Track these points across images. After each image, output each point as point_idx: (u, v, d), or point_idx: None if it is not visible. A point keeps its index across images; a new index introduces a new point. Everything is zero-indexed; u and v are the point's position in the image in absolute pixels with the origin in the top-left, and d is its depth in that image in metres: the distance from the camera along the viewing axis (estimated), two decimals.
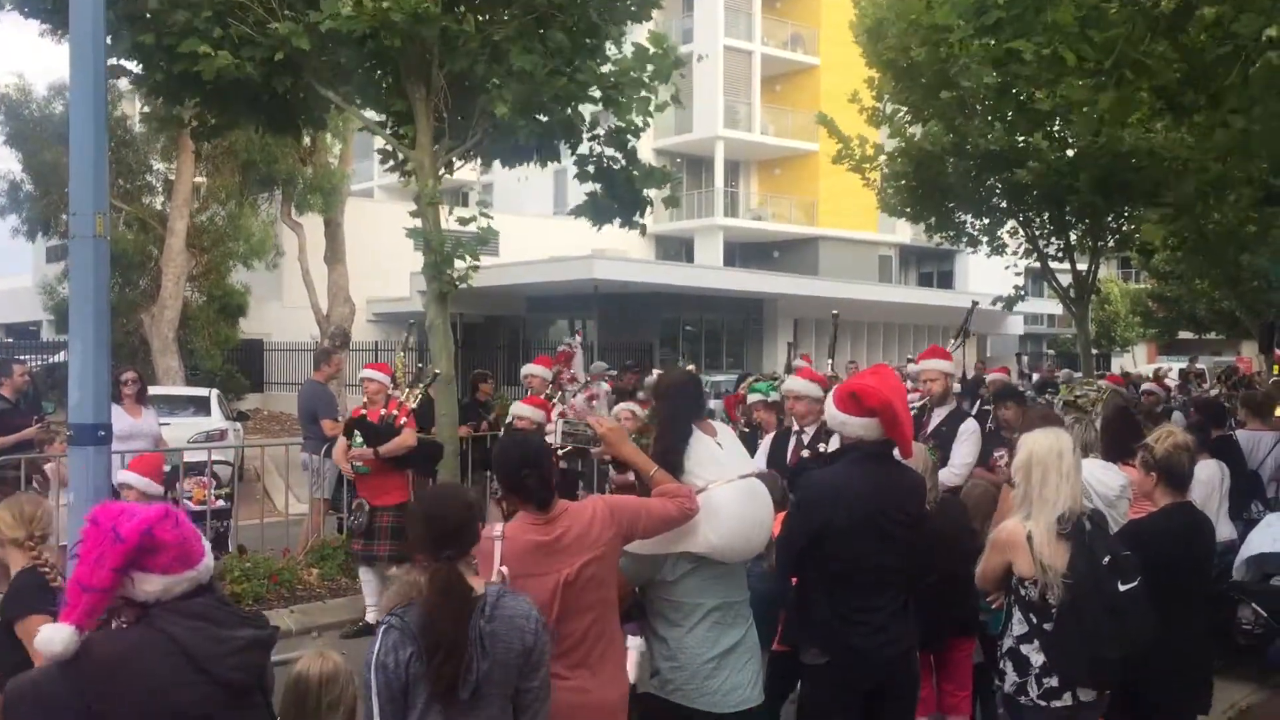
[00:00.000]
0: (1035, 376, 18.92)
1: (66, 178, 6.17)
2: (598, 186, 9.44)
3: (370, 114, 9.50)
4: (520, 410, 7.23)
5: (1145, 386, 12.18)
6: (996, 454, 6.32)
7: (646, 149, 28.91)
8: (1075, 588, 3.50)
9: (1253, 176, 11.18)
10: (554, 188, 34.14)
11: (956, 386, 9.13)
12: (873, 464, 3.91)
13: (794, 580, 4.10)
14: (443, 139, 8.61)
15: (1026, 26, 6.84)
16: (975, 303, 9.20)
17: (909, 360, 7.58)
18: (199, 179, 21.89)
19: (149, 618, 2.57)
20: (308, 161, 22.06)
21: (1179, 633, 3.97)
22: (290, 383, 24.33)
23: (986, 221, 16.37)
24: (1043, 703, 3.58)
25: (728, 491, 3.64)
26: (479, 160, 9.87)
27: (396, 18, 7.28)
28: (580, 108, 8.81)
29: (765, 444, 6.51)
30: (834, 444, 5.82)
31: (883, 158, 15.96)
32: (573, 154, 9.43)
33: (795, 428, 6.32)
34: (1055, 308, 34.51)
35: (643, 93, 8.57)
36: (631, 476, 7.21)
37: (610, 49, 8.80)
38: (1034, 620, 3.61)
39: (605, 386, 9.06)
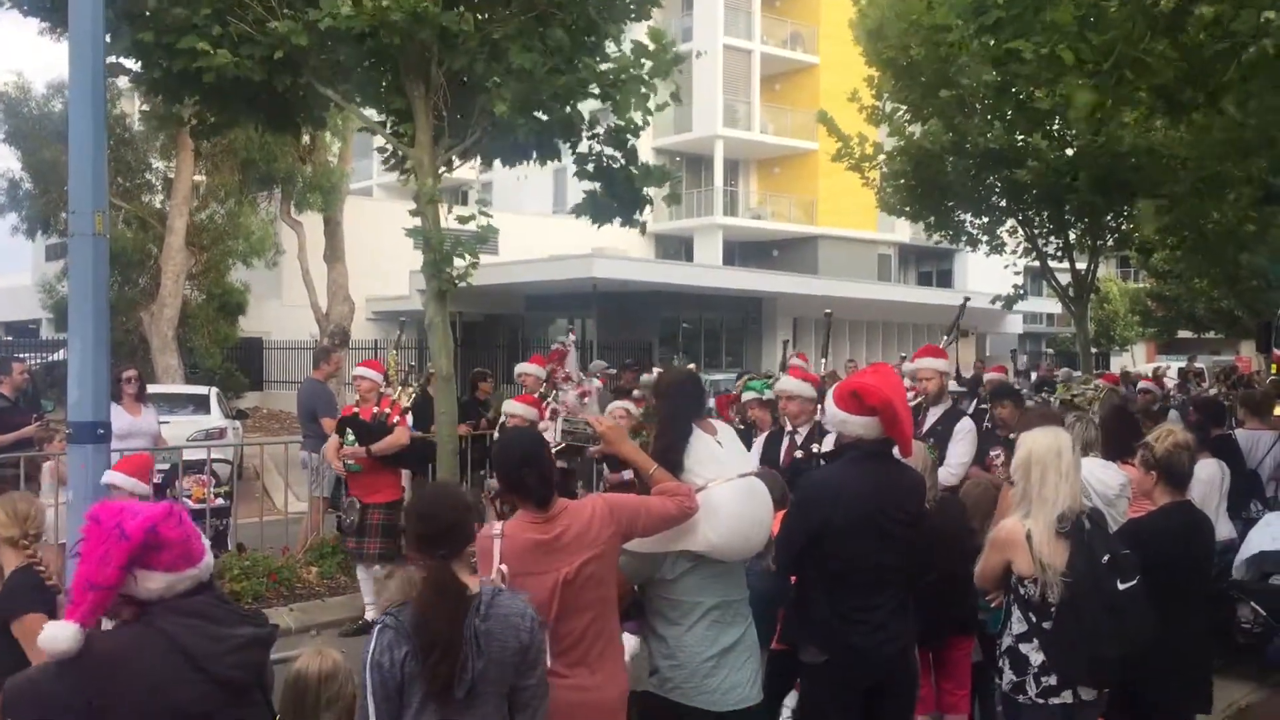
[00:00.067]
0: (1033, 375, 18.95)
1: (66, 176, 6.18)
2: (597, 185, 9.44)
3: (369, 112, 9.50)
4: (512, 408, 7.18)
5: (1141, 385, 12.17)
6: (992, 453, 6.32)
7: (646, 148, 28.90)
8: (1074, 586, 3.50)
9: (1252, 175, 11.18)
10: (553, 186, 34.15)
11: (955, 385, 9.12)
12: (872, 463, 3.91)
13: (793, 579, 4.11)
14: (442, 137, 8.60)
15: (1026, 26, 6.84)
16: (967, 299, 9.18)
17: (902, 358, 7.56)
18: (198, 177, 21.87)
19: (148, 616, 2.57)
20: (307, 160, 22.05)
21: (1178, 632, 3.98)
22: (290, 381, 24.34)
23: (986, 220, 16.36)
24: (1041, 701, 3.58)
25: (727, 490, 3.64)
26: (478, 159, 9.87)
27: (396, 16, 7.28)
28: (579, 106, 8.80)
29: (758, 444, 6.50)
30: (827, 445, 5.82)
31: (882, 157, 15.96)
32: (572, 152, 9.43)
33: (788, 428, 6.29)
34: (1054, 307, 34.55)
35: (642, 89, 8.55)
36: (625, 475, 7.23)
37: (610, 47, 8.79)
38: (1033, 619, 3.61)
39: (597, 383, 9.05)
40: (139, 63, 8.36)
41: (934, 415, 6.16)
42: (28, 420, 8.07)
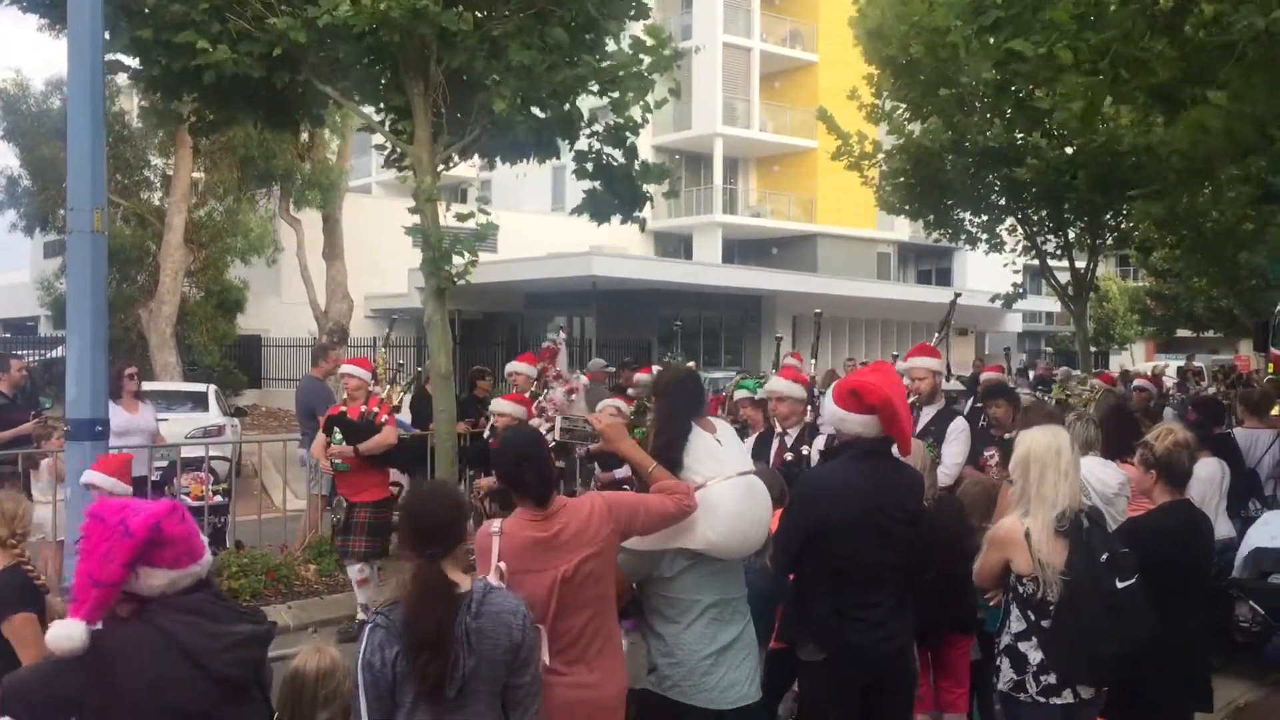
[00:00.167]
0: (1031, 374, 18.94)
1: (64, 173, 6.18)
2: (596, 183, 9.44)
3: (368, 109, 9.49)
4: (500, 407, 7.10)
5: (1136, 383, 12.15)
6: (987, 453, 6.30)
7: (645, 146, 28.85)
8: (1073, 585, 3.50)
9: (1250, 174, 11.18)
10: (552, 184, 34.12)
11: (957, 384, 9.08)
12: (871, 461, 3.91)
13: (791, 577, 4.10)
14: (441, 134, 8.60)
15: (1025, 26, 6.84)
16: (957, 295, 9.13)
17: (894, 357, 7.50)
18: (197, 174, 21.84)
19: (147, 613, 2.57)
20: (306, 157, 22.04)
21: (1177, 630, 3.98)
22: (288, 379, 24.32)
23: (985, 219, 16.38)
24: (1041, 700, 3.58)
25: (726, 488, 3.64)
26: (477, 156, 9.87)
27: (395, 14, 7.27)
28: (579, 103, 8.80)
29: (748, 445, 6.43)
30: (817, 446, 5.79)
31: (881, 155, 15.96)
32: (571, 150, 9.43)
33: (778, 429, 6.20)
34: (1054, 305, 34.57)
35: (641, 85, 8.54)
36: (617, 474, 7.22)
37: (609, 44, 8.78)
38: (1032, 617, 3.61)
39: (584, 380, 9.01)
40: (138, 59, 8.37)
41: (927, 415, 6.09)
42: (26, 417, 8.06)
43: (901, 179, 15.75)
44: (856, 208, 30.80)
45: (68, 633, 2.45)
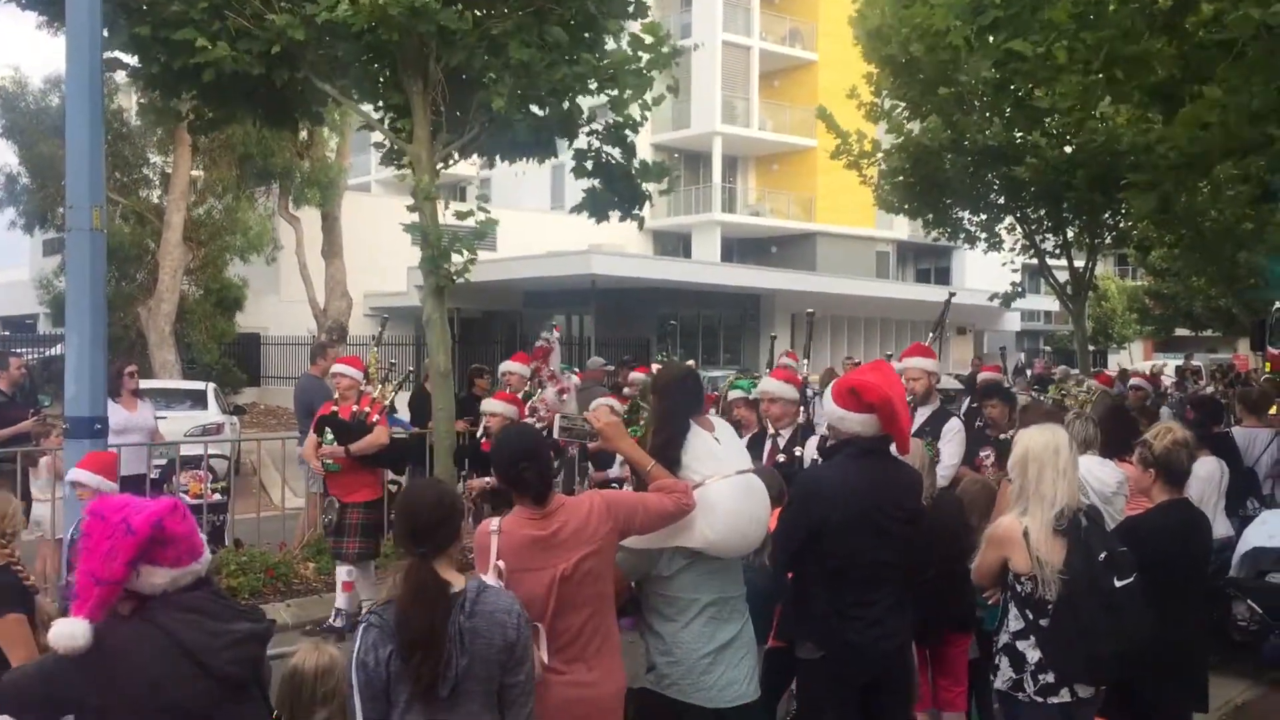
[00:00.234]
0: (1029, 372, 18.95)
1: (63, 171, 6.17)
2: (595, 181, 9.44)
3: (367, 107, 9.49)
4: (492, 406, 7.05)
5: (1133, 382, 12.15)
6: (982, 453, 6.29)
7: (644, 144, 28.86)
8: (1071, 584, 3.51)
9: (1249, 174, 11.18)
10: (551, 183, 34.11)
11: (955, 383, 9.05)
12: (870, 460, 3.91)
13: (790, 575, 4.11)
14: (440, 133, 8.60)
15: (1024, 25, 6.84)
16: (951, 294, 9.12)
17: (888, 356, 7.47)
18: (196, 172, 21.83)
19: (148, 611, 2.57)
20: (305, 155, 22.03)
21: (1175, 629, 3.98)
22: (287, 377, 24.29)
23: (984, 217, 16.38)
24: (1039, 699, 3.58)
25: (724, 487, 3.64)
26: (477, 155, 9.87)
27: (394, 11, 7.27)
28: (578, 101, 8.80)
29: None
30: (810, 447, 5.77)
31: (880, 154, 15.95)
32: (570, 148, 9.43)
33: (770, 430, 6.16)
34: (1052, 304, 34.60)
35: (639, 82, 8.54)
36: (610, 474, 7.22)
37: (608, 42, 8.78)
38: (1030, 616, 3.61)
39: (575, 379, 9.00)
40: (136, 57, 8.37)
41: (922, 415, 6.00)
42: (25, 415, 8.06)
43: (900, 178, 15.75)
44: (855, 206, 30.81)
45: (71, 630, 2.45)
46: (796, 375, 6.38)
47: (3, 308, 33.73)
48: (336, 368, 7.57)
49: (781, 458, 5.89)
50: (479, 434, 7.54)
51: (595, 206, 9.49)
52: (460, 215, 8.52)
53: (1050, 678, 3.58)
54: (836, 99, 16.54)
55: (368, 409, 7.28)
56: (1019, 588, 3.65)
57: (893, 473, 3.98)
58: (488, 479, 6.59)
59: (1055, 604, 3.54)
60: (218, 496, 8.78)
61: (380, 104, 9.15)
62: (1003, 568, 3.72)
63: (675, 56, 8.83)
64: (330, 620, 7.25)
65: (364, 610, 7.18)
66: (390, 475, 7.86)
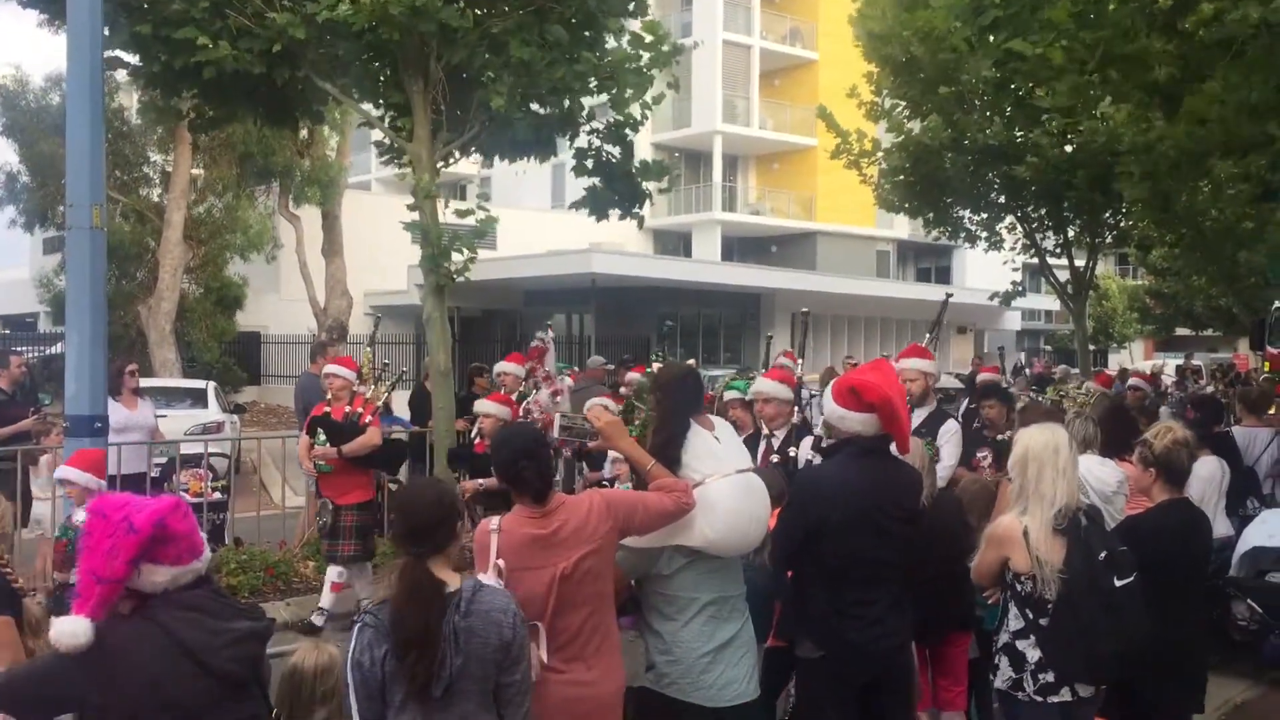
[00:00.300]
0: (1028, 372, 18.96)
1: (63, 169, 6.17)
2: (596, 180, 9.44)
3: (368, 106, 9.49)
4: (485, 408, 7.03)
5: (1131, 381, 12.14)
6: (979, 454, 6.28)
7: (645, 143, 28.91)
8: (1071, 583, 3.51)
9: (1250, 173, 11.18)
10: (552, 181, 34.12)
11: (955, 382, 9.04)
12: (869, 459, 3.91)
13: (790, 574, 4.11)
14: (440, 131, 8.60)
15: (1024, 25, 6.85)
16: (949, 295, 9.09)
17: (884, 357, 7.43)
18: (196, 171, 21.84)
19: (148, 609, 2.57)
20: (305, 154, 22.04)
21: (1175, 629, 3.98)
22: (287, 375, 24.30)
23: (984, 217, 16.35)
24: (1039, 698, 3.58)
25: (724, 486, 3.64)
26: (477, 154, 9.87)
27: (395, 10, 7.27)
28: (578, 99, 8.79)
29: None
30: (805, 448, 5.76)
31: (880, 153, 15.93)
32: (571, 147, 9.43)
33: (765, 431, 6.11)
34: (1053, 303, 34.58)
35: (639, 79, 8.53)
36: (605, 474, 7.19)
37: (609, 41, 8.78)
38: (1030, 615, 3.61)
39: (569, 380, 8.99)
40: (137, 56, 8.36)
41: (919, 417, 5.94)
42: (25, 414, 8.06)
43: (901, 177, 15.72)
44: (856, 206, 30.80)
45: (73, 629, 2.45)
46: (792, 375, 6.33)
47: (3, 306, 33.74)
48: (329, 368, 7.50)
49: (775, 458, 5.85)
50: (473, 435, 7.52)
51: (595, 205, 9.49)
52: (460, 214, 8.52)
53: (1050, 677, 3.58)
54: (837, 98, 16.52)
55: (360, 410, 7.23)
56: (1019, 587, 3.65)
57: (893, 472, 3.98)
58: (480, 481, 6.58)
59: (1055, 603, 3.54)
60: (218, 495, 8.78)
61: (381, 103, 9.15)
62: (1002, 567, 3.72)
63: (675, 55, 8.82)
64: (310, 617, 7.22)
65: (360, 609, 7.22)
66: (389, 475, 7.85)
